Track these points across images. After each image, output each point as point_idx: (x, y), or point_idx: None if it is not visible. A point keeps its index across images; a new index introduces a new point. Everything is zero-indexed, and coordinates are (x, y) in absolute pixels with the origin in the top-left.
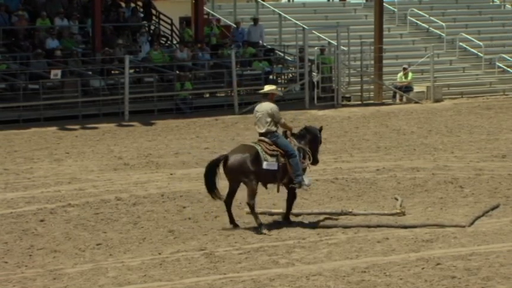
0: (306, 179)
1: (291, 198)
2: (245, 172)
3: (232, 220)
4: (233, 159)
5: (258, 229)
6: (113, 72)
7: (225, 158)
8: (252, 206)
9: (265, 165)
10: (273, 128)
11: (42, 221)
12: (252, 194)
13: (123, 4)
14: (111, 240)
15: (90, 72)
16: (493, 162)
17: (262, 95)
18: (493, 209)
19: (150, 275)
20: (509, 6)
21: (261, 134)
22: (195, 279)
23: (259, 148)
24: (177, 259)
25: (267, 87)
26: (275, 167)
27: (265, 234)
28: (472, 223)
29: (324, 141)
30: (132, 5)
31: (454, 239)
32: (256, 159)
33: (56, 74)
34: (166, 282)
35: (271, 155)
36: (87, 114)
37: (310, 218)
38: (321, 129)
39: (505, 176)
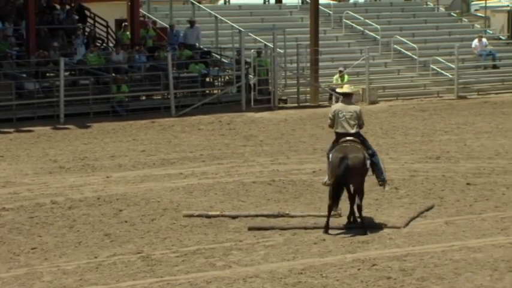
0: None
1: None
2: (363, 173)
3: (327, 225)
4: (353, 160)
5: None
6: (47, 74)
7: (346, 161)
8: (361, 207)
9: (368, 164)
10: (359, 129)
11: None
12: (363, 195)
13: (57, 6)
14: (47, 244)
15: (24, 75)
16: (427, 163)
17: (343, 95)
18: (427, 210)
19: (86, 279)
20: (443, 9)
21: (348, 135)
22: (131, 282)
23: (361, 148)
24: (114, 262)
25: (347, 87)
26: (368, 166)
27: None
28: (407, 224)
29: (260, 143)
30: (67, 7)
31: (390, 240)
32: (365, 159)
33: None
34: (103, 286)
35: (369, 154)
36: (22, 117)
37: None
38: None
39: (439, 177)
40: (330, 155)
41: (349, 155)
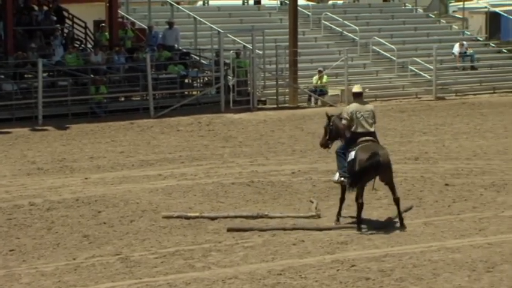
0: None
1: None
2: (392, 167)
3: (360, 224)
4: (384, 156)
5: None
6: (26, 76)
7: (377, 158)
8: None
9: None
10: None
11: None
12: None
13: (35, 7)
14: (25, 246)
15: (2, 76)
16: (406, 164)
17: (355, 95)
18: (406, 210)
19: (64, 281)
20: (421, 11)
21: (368, 134)
22: (110, 284)
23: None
24: (92, 264)
25: (358, 87)
26: None
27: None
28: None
29: (239, 144)
30: (45, 8)
31: (368, 241)
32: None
33: None
34: None
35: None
36: (0, 119)
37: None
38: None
39: (417, 178)
40: (353, 154)
41: (379, 152)
